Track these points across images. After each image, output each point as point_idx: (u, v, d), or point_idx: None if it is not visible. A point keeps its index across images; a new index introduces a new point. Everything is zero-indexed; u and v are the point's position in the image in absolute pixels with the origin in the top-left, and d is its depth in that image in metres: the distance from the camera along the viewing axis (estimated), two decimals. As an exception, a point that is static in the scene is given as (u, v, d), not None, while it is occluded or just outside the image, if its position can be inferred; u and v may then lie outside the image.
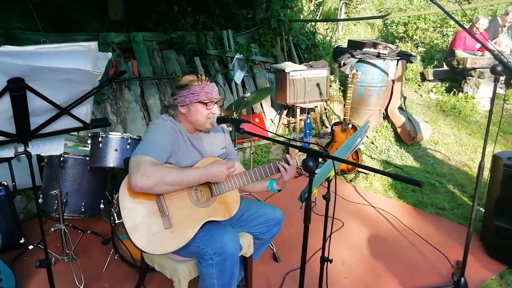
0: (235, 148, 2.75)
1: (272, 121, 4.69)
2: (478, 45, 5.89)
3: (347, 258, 2.53)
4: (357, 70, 3.84)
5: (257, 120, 4.45)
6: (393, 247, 2.67)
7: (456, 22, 2.24)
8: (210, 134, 1.95)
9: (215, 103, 1.81)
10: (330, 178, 1.71)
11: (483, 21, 5.66)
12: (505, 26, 6.18)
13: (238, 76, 4.58)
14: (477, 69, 5.52)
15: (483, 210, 2.88)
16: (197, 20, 4.76)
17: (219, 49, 4.69)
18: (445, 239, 2.74)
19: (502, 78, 6.03)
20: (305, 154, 1.35)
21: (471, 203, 3.08)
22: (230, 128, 2.66)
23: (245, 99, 3.13)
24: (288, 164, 1.78)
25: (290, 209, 2.25)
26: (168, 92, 4.21)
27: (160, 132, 1.73)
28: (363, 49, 4.94)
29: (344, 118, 3.79)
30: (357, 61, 4.67)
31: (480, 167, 2.16)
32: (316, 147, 1.35)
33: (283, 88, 4.21)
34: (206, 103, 1.76)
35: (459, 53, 5.72)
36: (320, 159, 1.37)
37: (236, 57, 4.72)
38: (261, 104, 4.72)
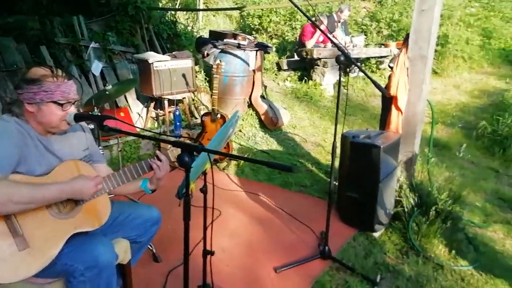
0: (100, 147, 2.50)
1: (139, 115, 4.44)
2: (322, 38, 6.65)
3: (227, 246, 2.60)
4: (220, 61, 3.90)
5: (122, 114, 4.14)
6: (267, 228, 2.85)
7: (305, 15, 2.47)
8: (68, 134, 1.69)
9: (73, 103, 1.59)
10: (206, 171, 1.69)
11: (322, 18, 6.41)
12: (339, 22, 7.11)
13: (96, 67, 4.17)
14: (322, 59, 6.25)
15: (337, 184, 3.29)
16: (39, 3, 4.12)
17: (70, 37, 4.16)
18: (310, 214, 3.04)
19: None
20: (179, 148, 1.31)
21: (328, 179, 3.52)
22: (92, 126, 2.40)
23: (107, 92, 2.87)
24: (160, 160, 1.68)
25: (168, 205, 2.18)
26: (9, 88, 3.56)
27: (1, 136, 1.44)
28: (224, 40, 5.06)
29: (213, 109, 3.83)
30: (220, 52, 4.76)
31: (334, 147, 2.46)
32: (188, 140, 1.33)
33: (148, 79, 4.01)
34: (62, 104, 1.53)
35: (307, 44, 6.36)
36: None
37: (91, 46, 4.28)
38: (125, 97, 4.41)
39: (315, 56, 6.17)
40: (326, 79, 6.40)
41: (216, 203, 3.01)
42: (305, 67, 6.67)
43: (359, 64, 6.87)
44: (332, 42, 2.56)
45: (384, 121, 3.31)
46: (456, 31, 7.87)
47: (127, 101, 4.42)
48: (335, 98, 6.23)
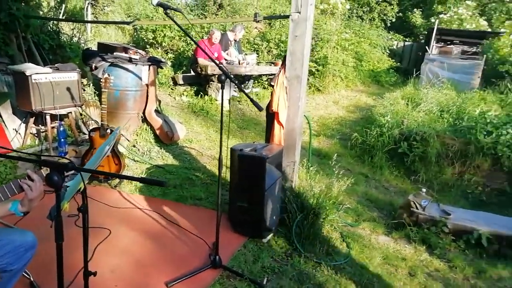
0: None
1: (17, 131, 4.02)
2: (216, 54, 6.90)
3: (117, 265, 2.53)
4: (109, 75, 3.79)
5: (-7, 132, 3.72)
6: (160, 243, 2.85)
7: (188, 35, 2.60)
8: None
9: None
10: (81, 190, 1.64)
11: (217, 34, 6.66)
12: (234, 41, 7.48)
13: (-41, 78, 3.69)
14: (216, 75, 6.46)
15: (229, 194, 3.46)
16: None
17: None
18: (204, 226, 3.13)
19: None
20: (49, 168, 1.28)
21: (223, 190, 3.66)
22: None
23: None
24: (32, 180, 1.56)
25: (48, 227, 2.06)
26: None
27: None
28: (114, 53, 4.92)
29: (102, 124, 3.70)
30: (109, 65, 4.61)
31: (220, 160, 2.61)
32: (60, 159, 1.31)
33: (26, 93, 3.68)
34: None
35: (201, 61, 6.53)
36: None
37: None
38: (-2, 112, 3.96)
39: (209, 72, 6.36)
40: (221, 95, 6.62)
41: (107, 222, 2.97)
42: (200, 82, 6.82)
43: (238, 82, 7.21)
44: (213, 62, 2.72)
45: (268, 134, 3.61)
46: (334, 53, 8.89)
47: (1, 117, 3.98)
48: (231, 113, 6.54)
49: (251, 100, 2.54)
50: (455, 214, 3.70)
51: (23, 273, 2.07)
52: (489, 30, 12.00)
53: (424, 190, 4.08)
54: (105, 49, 5.10)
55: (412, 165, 5.18)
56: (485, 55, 9.66)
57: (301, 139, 3.68)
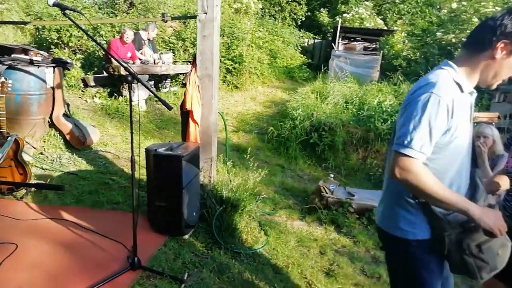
0: None
1: None
2: (130, 54, 6.71)
3: (26, 280, 2.41)
4: (6, 78, 3.53)
5: None
6: (74, 252, 2.76)
7: (90, 37, 2.57)
8: None
9: None
10: None
11: (129, 33, 6.48)
12: (148, 40, 7.33)
13: None
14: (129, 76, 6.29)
15: (147, 195, 3.45)
16: None
17: None
18: (122, 229, 3.08)
19: (151, 83, 7.19)
20: None
21: (142, 192, 3.64)
22: None
23: None
24: None
25: None
26: None
27: None
28: (12, 55, 4.55)
29: (1, 132, 3.43)
30: (7, 68, 4.25)
31: (132, 161, 2.62)
32: None
33: None
34: None
35: (114, 61, 6.30)
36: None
37: None
38: None
39: (122, 72, 6.16)
40: (138, 95, 6.47)
41: (13, 236, 2.79)
42: (114, 83, 6.57)
43: (155, 82, 7.18)
44: (119, 63, 2.72)
45: (184, 133, 3.67)
46: (250, 51, 9.17)
47: None
48: (148, 114, 6.43)
49: (160, 99, 2.59)
50: (359, 195, 4.14)
51: None
52: (385, 28, 13.31)
53: (332, 175, 4.48)
54: (1, 51, 4.67)
55: (322, 154, 5.62)
56: (382, 51, 10.74)
57: (216, 136, 3.80)
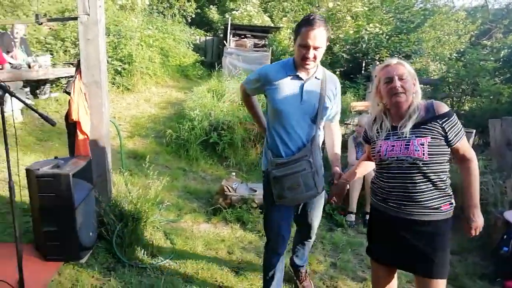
0: None
1: None
2: (-5, 58, 5.82)
3: None
4: None
5: None
6: None
7: None
8: None
9: None
10: None
11: (-10, 34, 5.62)
12: (16, 39, 6.43)
13: None
14: (-1, 83, 5.48)
15: (32, 221, 3.06)
16: None
17: None
18: (4, 264, 2.68)
19: (27, 89, 6.36)
20: None
21: (22, 219, 3.20)
22: None
23: None
24: None
25: None
26: None
27: None
28: None
29: None
30: None
31: (11, 187, 2.30)
32: None
33: None
34: None
35: (-26, 67, 5.41)
36: None
37: None
38: None
39: (-13, 80, 5.32)
40: (11, 105, 5.66)
41: None
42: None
43: (25, 95, 6.42)
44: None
45: (72, 146, 3.33)
46: (139, 50, 8.73)
47: None
48: (26, 125, 5.68)
49: (40, 114, 2.31)
50: (260, 190, 4.28)
51: None
52: (272, 25, 13.95)
53: (234, 173, 4.56)
54: None
55: (223, 152, 5.67)
56: (271, 47, 11.24)
57: (109, 146, 3.54)
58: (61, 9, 9.04)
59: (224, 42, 11.75)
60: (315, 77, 2.26)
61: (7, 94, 2.23)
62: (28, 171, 2.83)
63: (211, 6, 15.33)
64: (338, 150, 2.50)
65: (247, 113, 6.27)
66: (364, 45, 9.78)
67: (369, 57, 9.73)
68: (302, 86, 2.23)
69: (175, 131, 5.84)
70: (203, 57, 12.29)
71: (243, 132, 5.79)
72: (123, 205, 3.35)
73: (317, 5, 14.58)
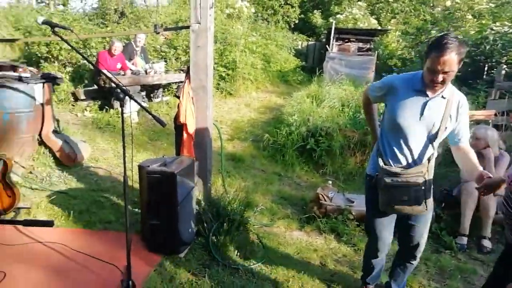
0: None
1: None
2: (119, 65, 6.61)
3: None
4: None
5: None
6: (65, 277, 2.65)
7: (78, 53, 2.48)
8: None
9: None
10: None
11: (117, 45, 6.39)
12: (137, 48, 7.21)
13: None
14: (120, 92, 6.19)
15: (141, 213, 3.34)
16: None
17: None
18: (115, 250, 2.98)
19: (143, 93, 7.09)
20: None
21: (135, 209, 3.53)
22: None
23: None
24: None
25: None
26: None
27: None
28: (0, 73, 4.45)
29: (-13, 154, 3.32)
30: (-6, 86, 4.16)
31: (125, 181, 2.52)
32: None
33: None
34: None
35: (104, 72, 6.20)
36: None
37: None
38: None
39: (113, 84, 6.04)
40: (129, 107, 6.37)
41: (0, 264, 2.67)
42: (105, 95, 6.47)
43: (141, 98, 7.06)
44: (110, 79, 2.62)
45: (178, 146, 3.58)
46: (243, 57, 9.09)
47: None
48: (141, 125, 6.32)
49: (153, 116, 2.48)
50: (358, 201, 4.04)
51: None
52: (379, 27, 13.29)
53: (330, 182, 4.39)
54: (-13, 68, 4.57)
55: (319, 159, 5.53)
56: (376, 51, 10.70)
57: (211, 148, 3.71)
58: (175, 20, 9.92)
59: (327, 46, 11.57)
60: (442, 96, 2.16)
61: (127, 97, 2.43)
62: (140, 167, 3.09)
63: (315, 11, 15.26)
64: (477, 164, 2.23)
65: (347, 120, 6.03)
66: (488, 47, 8.63)
67: (493, 60, 8.56)
68: (425, 103, 2.16)
69: (273, 135, 5.89)
70: (304, 62, 12.28)
71: (342, 139, 5.57)
72: (220, 205, 3.46)
73: (431, 4, 13.44)
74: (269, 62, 10.45)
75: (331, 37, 11.80)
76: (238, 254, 3.16)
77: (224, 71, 8.61)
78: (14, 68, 4.74)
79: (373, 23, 13.68)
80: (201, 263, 3.01)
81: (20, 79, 4.34)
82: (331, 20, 13.22)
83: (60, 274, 2.69)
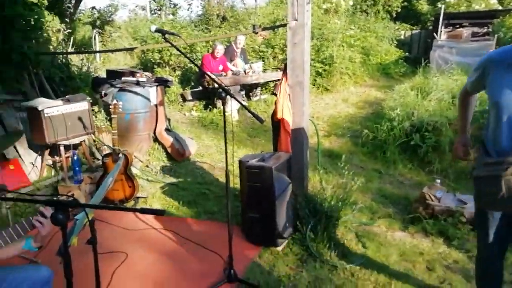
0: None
1: (33, 164, 4.21)
2: (221, 67, 7.01)
3: None
4: (117, 101, 3.94)
5: (11, 167, 3.90)
6: (175, 262, 2.92)
7: (186, 57, 2.70)
8: None
9: None
10: (86, 225, 1.67)
11: (219, 48, 6.78)
12: (238, 50, 7.55)
13: (-23, 120, 3.90)
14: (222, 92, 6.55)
15: (241, 206, 3.50)
16: None
17: None
18: (218, 240, 3.16)
19: (243, 92, 7.40)
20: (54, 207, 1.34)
21: (236, 202, 3.72)
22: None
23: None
24: (44, 216, 1.64)
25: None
26: None
27: None
28: (122, 78, 5.09)
29: (113, 149, 3.83)
30: (118, 90, 4.77)
31: (227, 174, 2.67)
32: (64, 196, 1.39)
33: (39, 127, 3.87)
34: None
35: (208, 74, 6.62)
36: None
37: (-31, 98, 4.00)
38: (15, 148, 4.16)
39: (216, 85, 6.42)
40: (230, 106, 6.72)
41: (123, 245, 3.07)
42: (208, 96, 6.93)
43: (241, 97, 7.29)
44: (213, 80, 2.82)
45: (276, 143, 3.65)
46: (340, 51, 8.85)
47: (17, 152, 4.17)
48: (240, 123, 6.62)
49: (251, 113, 2.59)
50: (472, 203, 3.62)
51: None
52: (500, 8, 11.68)
53: (438, 181, 4.02)
54: (113, 75, 5.28)
55: (425, 156, 5.09)
56: (496, 35, 9.41)
57: (308, 144, 3.71)
58: (273, 20, 10.11)
59: (434, 34, 10.59)
60: None
61: (228, 96, 2.58)
62: (240, 162, 3.24)
63: (419, -3, 14.10)
64: None
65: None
66: None
67: None
68: None
69: (372, 131, 5.62)
70: (407, 53, 11.44)
71: (452, 134, 5.04)
72: (317, 202, 3.44)
73: None
74: (368, 55, 9.98)
75: (439, 24, 10.76)
76: (336, 251, 3.10)
77: (321, 67, 8.50)
78: (133, 73, 5.38)
79: (492, 3, 12.08)
80: (298, 258, 3.03)
81: (138, 83, 4.92)
82: (439, 5, 12.06)
83: (171, 258, 2.98)
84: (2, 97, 4.32)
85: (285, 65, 3.55)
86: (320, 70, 8.49)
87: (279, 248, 3.12)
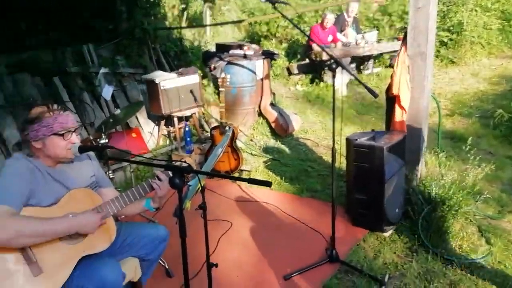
0: (110, 171, 2.67)
1: (151, 134, 4.62)
2: (330, 38, 6.67)
3: (238, 256, 2.69)
4: (226, 74, 4.02)
5: (134, 135, 4.33)
6: (277, 236, 2.92)
7: (295, 25, 2.57)
8: (75, 163, 1.85)
9: (73, 131, 1.74)
10: (199, 190, 1.77)
11: (329, 17, 6.42)
12: (350, 18, 7.06)
13: (106, 91, 4.35)
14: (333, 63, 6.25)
15: (346, 186, 3.32)
16: (49, 37, 4.39)
17: (80, 66, 4.41)
18: (320, 219, 3.08)
19: (353, 65, 6.97)
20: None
21: (339, 182, 3.55)
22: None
23: (115, 117, 3.03)
24: (160, 179, 1.80)
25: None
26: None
27: (12, 175, 1.60)
28: (230, 52, 5.18)
29: (221, 122, 3.96)
30: (227, 64, 4.88)
31: (333, 153, 2.52)
32: (179, 163, 1.42)
33: (156, 98, 4.18)
34: (62, 134, 1.68)
35: (315, 47, 6.38)
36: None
37: (100, 72, 4.50)
38: (137, 118, 4.61)
39: (324, 58, 6.18)
40: (338, 80, 6.39)
41: (228, 214, 3.18)
42: (315, 69, 6.70)
43: (351, 70, 6.78)
44: (322, 49, 2.62)
45: (389, 120, 3.32)
46: (472, 17, 7.64)
47: (138, 121, 4.61)
48: (349, 98, 6.26)
49: (365, 86, 2.35)
50: None
51: (159, 261, 2.37)
52: None
53: None
54: (222, 48, 5.41)
55: None
56: None
57: (427, 123, 3.30)
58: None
59: None
60: None
61: (338, 68, 2.39)
62: (348, 140, 3.04)
63: None
64: None
65: None
66: None
67: None
68: None
69: (508, 111, 4.77)
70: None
71: None
72: (433, 188, 3.05)
73: None
74: (510, 20, 8.40)
75: None
76: (452, 244, 2.74)
77: (446, 36, 7.49)
78: (240, 46, 5.43)
79: None
80: (407, 246, 2.76)
81: (245, 56, 4.94)
82: None
83: (272, 231, 2.99)
84: (126, 70, 4.77)
85: (405, 33, 3.15)
86: (445, 40, 7.49)
87: (386, 234, 2.89)
